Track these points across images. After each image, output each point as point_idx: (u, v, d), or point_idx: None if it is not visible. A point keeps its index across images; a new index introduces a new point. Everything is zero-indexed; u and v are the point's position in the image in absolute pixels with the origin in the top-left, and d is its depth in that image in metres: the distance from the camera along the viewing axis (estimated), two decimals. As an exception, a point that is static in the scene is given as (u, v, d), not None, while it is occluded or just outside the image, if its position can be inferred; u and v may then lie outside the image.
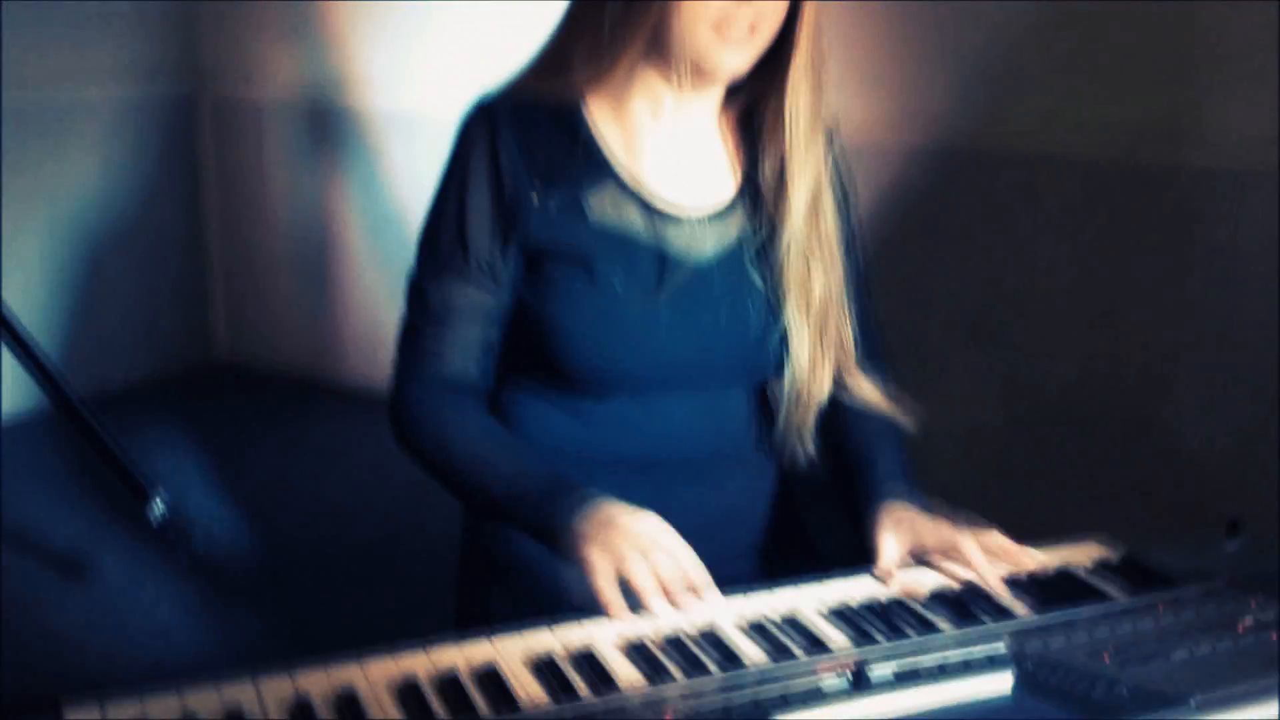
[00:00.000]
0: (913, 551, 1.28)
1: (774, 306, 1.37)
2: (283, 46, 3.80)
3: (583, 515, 1.21)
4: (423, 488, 2.85)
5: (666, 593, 1.15)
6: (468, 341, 1.35)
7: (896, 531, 1.30)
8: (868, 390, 1.44)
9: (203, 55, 3.91)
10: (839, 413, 1.46)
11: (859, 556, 1.30)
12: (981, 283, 2.87)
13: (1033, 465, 2.88)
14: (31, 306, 3.44)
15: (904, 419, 1.46)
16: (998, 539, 1.27)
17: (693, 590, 1.16)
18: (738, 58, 1.28)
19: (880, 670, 0.98)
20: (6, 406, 3.38)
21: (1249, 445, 2.62)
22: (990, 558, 1.24)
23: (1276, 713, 0.91)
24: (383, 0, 3.60)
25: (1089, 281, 2.75)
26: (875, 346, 1.50)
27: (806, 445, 1.43)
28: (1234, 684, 0.93)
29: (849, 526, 1.40)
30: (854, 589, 1.22)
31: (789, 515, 1.53)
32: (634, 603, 1.15)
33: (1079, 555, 1.30)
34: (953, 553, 1.25)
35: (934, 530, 1.28)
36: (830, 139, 1.41)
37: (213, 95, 3.92)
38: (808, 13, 1.31)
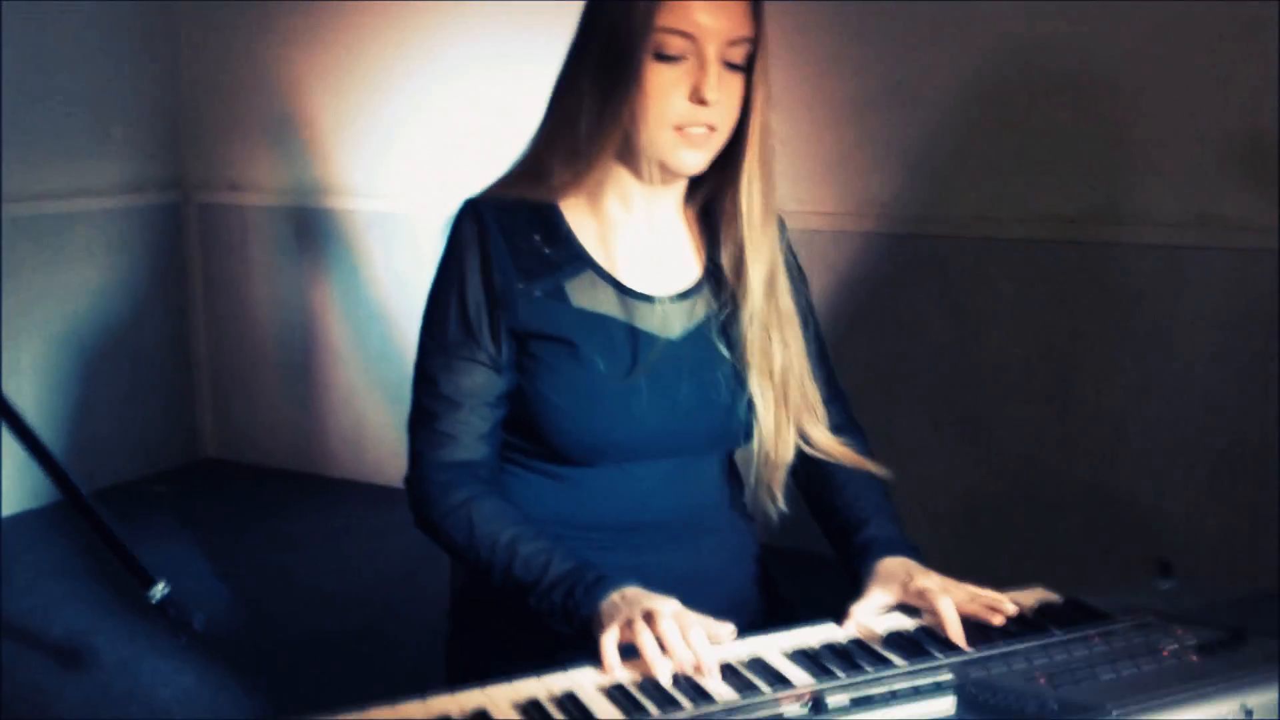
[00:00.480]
0: (899, 600, 1.37)
1: (740, 376, 1.47)
2: (264, 155, 3.93)
3: (607, 599, 1.29)
4: (404, 572, 2.92)
5: (670, 656, 1.20)
6: (480, 423, 1.44)
7: (884, 585, 1.39)
8: (838, 450, 1.53)
9: (188, 167, 4.05)
10: (826, 473, 1.55)
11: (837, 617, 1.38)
12: (939, 360, 2.99)
13: (995, 530, 2.97)
14: (27, 408, 3.52)
15: (883, 474, 1.55)
16: (976, 590, 1.36)
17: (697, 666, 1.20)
18: (697, 155, 1.41)
19: (836, 698, 1.08)
20: (6, 503, 3.47)
21: (1194, 503, 2.74)
22: (967, 605, 1.33)
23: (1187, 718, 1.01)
24: (359, 108, 3.76)
25: (1040, 355, 2.87)
26: (846, 411, 1.61)
27: (778, 505, 1.51)
28: (1150, 697, 1.03)
29: (822, 589, 1.50)
30: (815, 635, 1.32)
31: (767, 578, 1.61)
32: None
33: (1026, 599, 1.41)
34: (929, 605, 1.33)
35: (919, 582, 1.37)
36: (782, 226, 1.54)
37: (198, 203, 4.05)
38: (756, 116, 1.43)
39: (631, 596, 1.29)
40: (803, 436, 1.52)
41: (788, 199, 3.00)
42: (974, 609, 1.31)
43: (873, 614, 1.37)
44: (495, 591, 1.40)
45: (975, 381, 2.94)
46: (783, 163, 1.46)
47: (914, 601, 1.36)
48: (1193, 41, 2.64)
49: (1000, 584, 1.41)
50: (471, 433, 1.43)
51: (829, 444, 1.53)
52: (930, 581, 1.37)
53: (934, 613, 1.32)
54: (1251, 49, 2.59)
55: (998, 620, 1.29)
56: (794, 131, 3.03)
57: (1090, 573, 2.73)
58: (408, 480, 1.47)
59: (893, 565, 1.42)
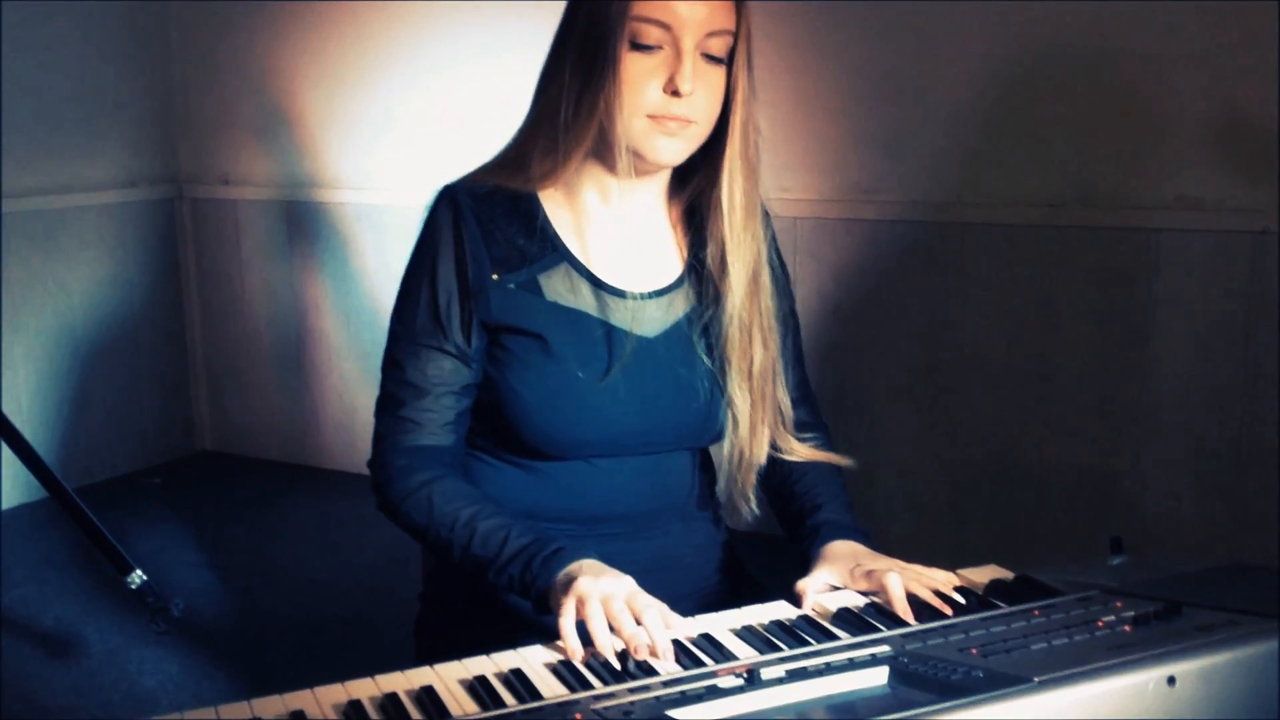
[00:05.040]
0: (845, 584, 1.39)
1: (717, 377, 1.47)
2: (256, 150, 3.97)
3: (564, 571, 1.30)
4: (392, 560, 2.94)
5: (620, 639, 1.21)
6: (445, 410, 1.44)
7: (831, 566, 1.41)
8: (803, 452, 1.55)
9: (181, 162, 4.09)
10: (786, 463, 1.56)
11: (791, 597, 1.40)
12: (920, 344, 3.00)
13: (975, 513, 2.98)
14: (23, 403, 3.57)
15: (844, 463, 1.57)
16: (923, 570, 1.37)
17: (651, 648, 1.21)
18: (672, 144, 1.39)
19: (772, 671, 1.10)
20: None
21: (1174, 484, 2.74)
22: (914, 584, 1.34)
23: (1108, 687, 1.02)
24: (348, 102, 3.78)
25: (1020, 339, 2.88)
26: (815, 412, 1.62)
27: (750, 504, 1.52)
28: (1076, 666, 1.04)
29: (796, 573, 1.51)
30: (766, 612, 1.33)
31: (735, 564, 1.63)
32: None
33: (978, 575, 1.42)
34: (877, 585, 1.34)
35: (867, 566, 1.38)
36: (767, 222, 1.52)
37: (191, 198, 4.08)
38: (738, 110, 1.41)
39: (589, 569, 1.29)
40: (770, 441, 1.52)
41: (771, 186, 3.02)
42: (921, 593, 1.32)
43: (816, 590, 1.38)
44: (456, 569, 1.41)
45: (957, 365, 2.95)
46: (766, 151, 1.45)
47: (861, 585, 1.37)
48: (1171, 25, 2.64)
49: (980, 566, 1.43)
50: (436, 420, 1.44)
51: (794, 448, 1.54)
52: (878, 563, 1.38)
53: (883, 591, 1.33)
54: (1230, 32, 2.59)
55: (947, 611, 1.29)
56: (777, 120, 3.04)
57: (1071, 556, 2.73)
58: (370, 464, 1.47)
59: (841, 548, 1.44)
